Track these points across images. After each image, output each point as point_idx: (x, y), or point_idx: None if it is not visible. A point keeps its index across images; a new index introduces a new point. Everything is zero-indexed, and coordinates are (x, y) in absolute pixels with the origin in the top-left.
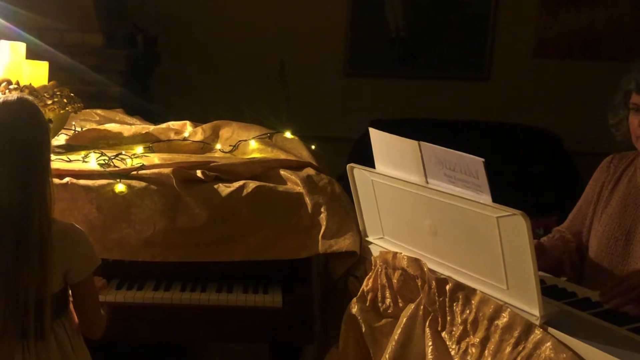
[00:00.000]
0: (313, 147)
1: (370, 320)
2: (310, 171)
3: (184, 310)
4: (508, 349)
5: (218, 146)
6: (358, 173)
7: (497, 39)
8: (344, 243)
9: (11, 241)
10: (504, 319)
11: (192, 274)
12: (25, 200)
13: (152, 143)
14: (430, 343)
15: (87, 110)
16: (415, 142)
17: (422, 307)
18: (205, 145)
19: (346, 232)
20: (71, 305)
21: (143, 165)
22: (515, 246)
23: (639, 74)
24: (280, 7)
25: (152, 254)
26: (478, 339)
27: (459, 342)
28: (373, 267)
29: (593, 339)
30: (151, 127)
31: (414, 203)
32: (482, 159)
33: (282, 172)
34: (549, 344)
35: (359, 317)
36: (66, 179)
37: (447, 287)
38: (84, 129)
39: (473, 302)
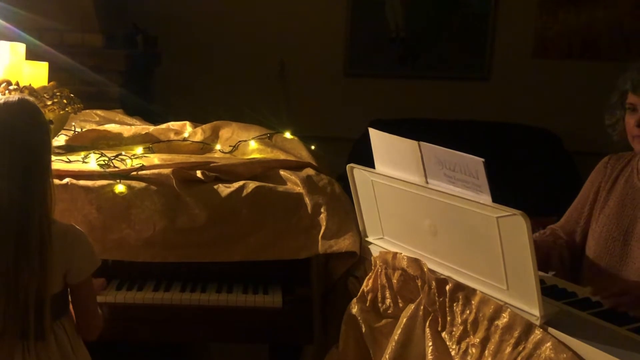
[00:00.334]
0: (313, 147)
1: (370, 321)
2: (310, 171)
3: (184, 310)
4: (508, 349)
5: (218, 146)
6: (358, 173)
7: (497, 39)
8: (344, 243)
9: (11, 241)
10: (504, 319)
11: (192, 274)
12: (26, 200)
13: (152, 143)
14: (430, 343)
15: (87, 110)
16: (415, 142)
17: (422, 307)
18: (205, 146)
19: (346, 233)
20: (71, 306)
21: (143, 165)
22: (515, 246)
23: (635, 73)
24: (280, 7)
25: (152, 255)
26: (478, 339)
27: (459, 343)
28: (373, 268)
29: (593, 339)
30: (151, 128)
31: (413, 203)
32: (482, 159)
33: (282, 172)
34: (549, 344)
35: (359, 318)
36: (66, 180)
37: (447, 288)
38: (83, 130)
39: (473, 302)
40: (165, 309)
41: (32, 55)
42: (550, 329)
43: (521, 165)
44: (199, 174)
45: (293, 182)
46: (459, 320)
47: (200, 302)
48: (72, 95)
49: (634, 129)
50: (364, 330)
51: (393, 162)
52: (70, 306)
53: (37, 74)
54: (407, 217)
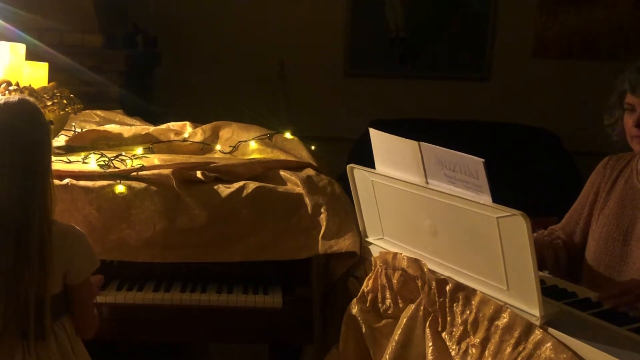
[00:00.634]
0: (313, 147)
1: (371, 321)
2: (310, 172)
3: (184, 311)
4: (508, 350)
5: (218, 147)
6: (358, 173)
7: (497, 39)
8: (344, 243)
9: (11, 242)
10: (504, 319)
11: (192, 274)
12: (26, 201)
13: (152, 144)
14: (430, 343)
15: (87, 111)
16: (415, 143)
17: (422, 307)
18: (205, 146)
19: (346, 233)
20: None
21: (143, 166)
22: (515, 246)
23: (633, 74)
24: (280, 7)
25: (152, 255)
26: (478, 340)
27: (459, 343)
28: (373, 268)
29: (593, 339)
30: (151, 128)
31: (414, 203)
32: (482, 160)
33: (282, 172)
34: (549, 344)
35: (359, 318)
36: (66, 180)
37: (447, 288)
38: (84, 130)
39: (473, 302)
40: (166, 309)
41: (31, 55)
42: (551, 329)
43: (521, 165)
44: (199, 174)
45: (293, 183)
46: (459, 321)
47: (201, 303)
48: (72, 95)
49: (633, 129)
50: (364, 330)
51: (393, 162)
52: None
53: (37, 75)
54: (408, 217)
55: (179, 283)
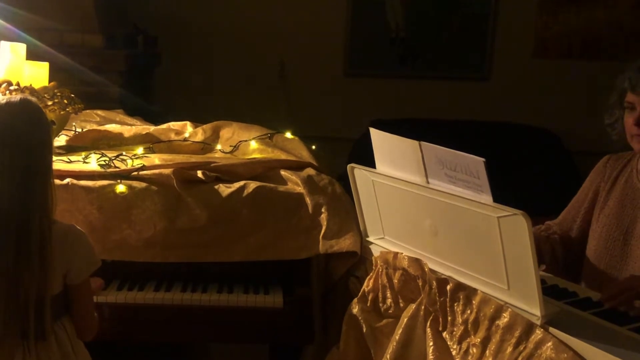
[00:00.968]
0: (313, 147)
1: (371, 321)
2: (310, 171)
3: (184, 310)
4: (509, 349)
5: (218, 147)
6: (359, 173)
7: (497, 39)
8: (345, 243)
9: (12, 242)
10: (504, 319)
11: (192, 274)
12: (26, 201)
13: (152, 144)
14: (431, 343)
15: (88, 111)
16: (415, 142)
17: (423, 307)
18: (206, 146)
19: (347, 233)
20: None
21: (144, 165)
22: (516, 246)
23: (633, 73)
24: (280, 7)
25: (153, 255)
26: (479, 339)
27: (460, 342)
28: (374, 268)
29: (594, 338)
30: (152, 128)
31: (414, 203)
32: (483, 159)
33: (282, 172)
34: (550, 343)
35: (359, 318)
36: (67, 180)
37: (448, 287)
38: (84, 130)
39: (474, 302)
40: (166, 309)
41: (32, 55)
42: (551, 329)
43: (521, 165)
44: (199, 174)
45: (294, 182)
46: (460, 320)
47: (201, 303)
48: (72, 95)
49: (633, 127)
50: (364, 330)
51: (394, 162)
52: None
53: (37, 75)
54: (408, 217)
55: (179, 283)
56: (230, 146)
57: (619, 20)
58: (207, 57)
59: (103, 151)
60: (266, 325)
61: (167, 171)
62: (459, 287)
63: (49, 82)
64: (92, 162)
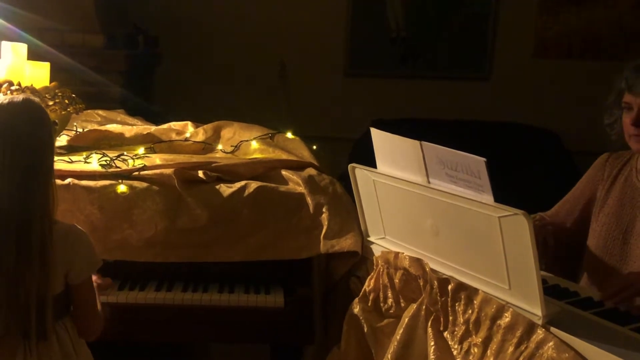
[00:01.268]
0: (314, 147)
1: (372, 321)
2: (311, 171)
3: (185, 310)
4: (510, 349)
5: (219, 147)
6: (359, 173)
7: (497, 39)
8: (346, 243)
9: (13, 242)
10: (506, 318)
11: (193, 274)
12: (27, 201)
13: (153, 144)
14: (432, 343)
15: (89, 111)
16: (416, 142)
17: (424, 307)
18: (207, 146)
19: (348, 232)
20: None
21: (145, 165)
22: (517, 246)
23: (630, 73)
24: (280, 7)
25: (154, 255)
26: (480, 339)
27: (461, 342)
28: (375, 267)
29: (595, 338)
30: (152, 128)
31: (415, 203)
32: (484, 159)
33: (283, 172)
34: (551, 343)
35: (360, 317)
36: (68, 180)
37: (449, 287)
38: (85, 130)
39: (475, 302)
40: (167, 309)
41: (32, 55)
42: (553, 329)
43: (521, 165)
44: (200, 174)
45: (295, 182)
46: (461, 320)
47: (202, 302)
48: (73, 95)
49: (630, 127)
50: (365, 330)
51: (395, 161)
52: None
53: (38, 75)
54: (409, 216)
55: (180, 283)
56: (232, 146)
57: (619, 20)
58: (208, 57)
59: (104, 151)
60: (267, 325)
61: (168, 171)
62: (460, 287)
63: (50, 82)
64: (93, 162)
